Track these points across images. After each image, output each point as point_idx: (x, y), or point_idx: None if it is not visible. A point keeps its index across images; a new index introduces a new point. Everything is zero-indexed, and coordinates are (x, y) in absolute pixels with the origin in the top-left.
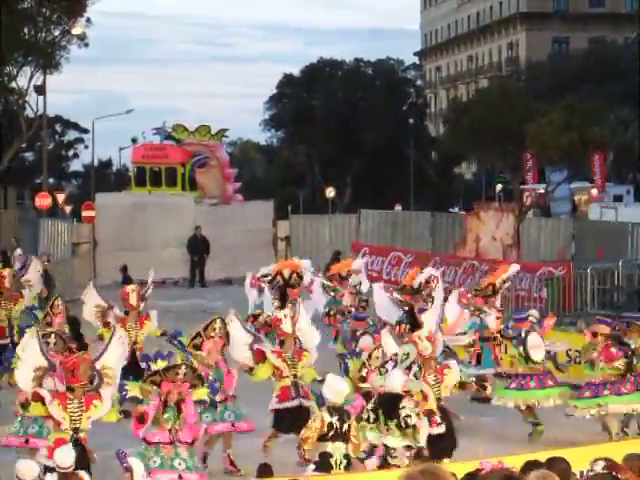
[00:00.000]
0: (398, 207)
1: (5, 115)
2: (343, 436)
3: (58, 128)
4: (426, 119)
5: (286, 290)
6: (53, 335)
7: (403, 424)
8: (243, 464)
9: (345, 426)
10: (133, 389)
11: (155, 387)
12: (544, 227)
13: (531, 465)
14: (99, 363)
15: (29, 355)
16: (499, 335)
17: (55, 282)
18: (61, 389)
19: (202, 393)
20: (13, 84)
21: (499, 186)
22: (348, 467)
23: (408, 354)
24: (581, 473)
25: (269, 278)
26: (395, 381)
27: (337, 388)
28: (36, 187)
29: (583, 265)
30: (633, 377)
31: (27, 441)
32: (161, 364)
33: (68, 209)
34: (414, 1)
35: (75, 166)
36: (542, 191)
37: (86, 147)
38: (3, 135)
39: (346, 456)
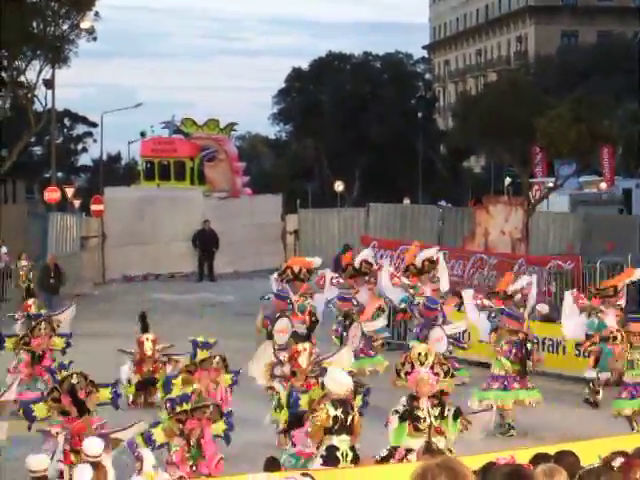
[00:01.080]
0: (407, 200)
1: (14, 109)
2: (348, 428)
3: (67, 122)
4: (435, 113)
5: (313, 329)
6: (43, 322)
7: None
8: (250, 457)
9: (349, 418)
10: (158, 435)
11: (179, 425)
12: (553, 221)
13: (540, 458)
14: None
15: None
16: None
17: (65, 277)
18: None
19: (219, 428)
20: (22, 78)
21: (508, 180)
22: (355, 459)
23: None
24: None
25: (279, 271)
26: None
27: (339, 380)
28: (45, 181)
29: (592, 258)
30: None
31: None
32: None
33: (77, 203)
34: None
35: (84, 160)
36: (551, 185)
37: (95, 141)
38: (12, 129)
39: (352, 448)
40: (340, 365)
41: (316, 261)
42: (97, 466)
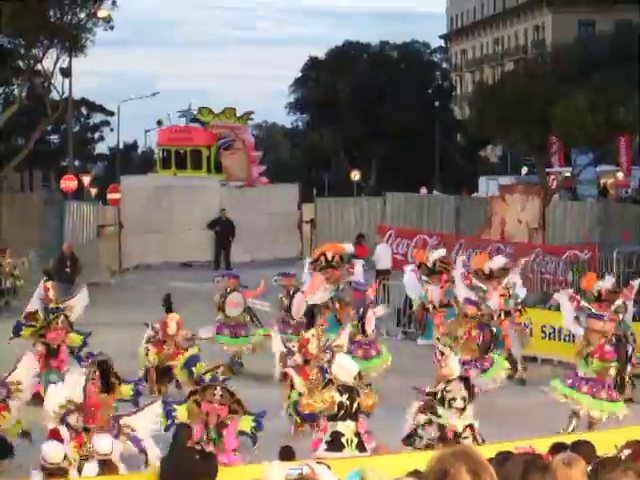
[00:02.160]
0: (423, 190)
1: (31, 98)
2: (353, 415)
3: (84, 111)
4: (452, 102)
5: (314, 311)
6: (62, 316)
7: (447, 406)
8: (265, 446)
9: (355, 404)
10: (181, 412)
11: (197, 407)
12: (570, 210)
13: (557, 448)
14: (10, 378)
15: (67, 387)
16: None
17: (81, 266)
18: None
19: (246, 424)
20: (39, 67)
21: (525, 169)
22: (359, 445)
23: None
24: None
25: (312, 259)
26: (455, 365)
27: (347, 367)
28: (62, 170)
29: (609, 248)
30: None
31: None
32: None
33: (94, 192)
34: None
35: (101, 149)
36: (568, 174)
37: (112, 130)
38: (29, 118)
39: (357, 434)
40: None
41: (348, 247)
42: (106, 463)
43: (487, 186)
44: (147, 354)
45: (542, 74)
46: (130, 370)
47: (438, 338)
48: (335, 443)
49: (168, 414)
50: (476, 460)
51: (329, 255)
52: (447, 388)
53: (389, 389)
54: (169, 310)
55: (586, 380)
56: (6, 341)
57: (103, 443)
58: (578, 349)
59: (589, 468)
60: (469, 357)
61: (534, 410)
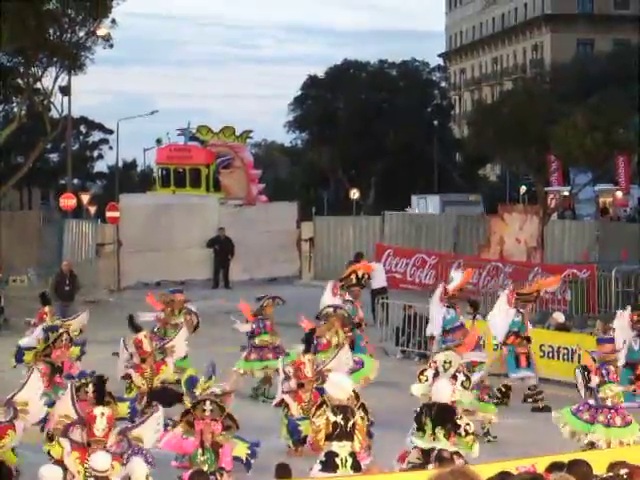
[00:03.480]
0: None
1: (30, 116)
2: (348, 434)
3: (83, 129)
4: (450, 121)
5: (312, 335)
6: (65, 334)
7: (463, 433)
8: (262, 464)
9: (350, 424)
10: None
11: (190, 428)
12: (568, 229)
13: (554, 467)
14: (16, 398)
15: (61, 405)
16: None
17: (80, 284)
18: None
19: (242, 450)
20: (38, 85)
21: (523, 188)
22: (355, 466)
23: (450, 362)
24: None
25: (342, 276)
26: (443, 391)
27: (341, 385)
28: (61, 188)
29: (607, 267)
30: None
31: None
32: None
33: (92, 210)
34: (439, 3)
35: (100, 167)
36: (567, 193)
37: (110, 148)
38: (28, 136)
39: (352, 454)
40: (340, 367)
41: (378, 267)
42: None
43: (418, 204)
44: (131, 383)
45: (541, 93)
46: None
47: None
48: (329, 463)
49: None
50: (472, 478)
51: (360, 274)
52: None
53: (387, 408)
54: (138, 330)
55: (597, 408)
56: (6, 359)
57: (100, 460)
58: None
59: None
60: None
61: (535, 429)
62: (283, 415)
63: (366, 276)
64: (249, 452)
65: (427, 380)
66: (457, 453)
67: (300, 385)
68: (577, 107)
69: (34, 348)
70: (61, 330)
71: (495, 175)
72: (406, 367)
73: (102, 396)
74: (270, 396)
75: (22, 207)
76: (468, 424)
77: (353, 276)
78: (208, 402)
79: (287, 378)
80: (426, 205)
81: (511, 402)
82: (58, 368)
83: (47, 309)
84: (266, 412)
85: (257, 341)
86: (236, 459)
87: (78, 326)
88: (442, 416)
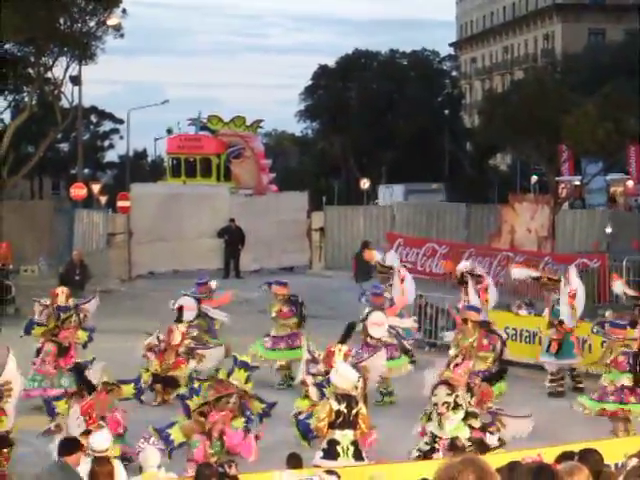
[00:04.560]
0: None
1: (41, 106)
2: (350, 423)
3: (93, 119)
4: (461, 110)
5: (352, 328)
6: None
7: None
8: (273, 453)
9: (353, 413)
10: (176, 435)
11: (202, 418)
12: (579, 219)
13: (564, 457)
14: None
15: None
16: None
17: (91, 274)
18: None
19: (257, 408)
20: (49, 75)
21: (534, 178)
22: (356, 454)
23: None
24: (616, 465)
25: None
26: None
27: (345, 375)
28: (71, 178)
29: (618, 257)
30: None
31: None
32: (196, 400)
33: (103, 199)
34: None
35: (110, 157)
36: (578, 183)
37: (121, 138)
38: (39, 126)
39: (353, 443)
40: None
41: (384, 255)
42: (102, 461)
43: (384, 194)
44: (147, 363)
45: (552, 83)
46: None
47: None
48: (331, 451)
49: (166, 440)
50: (484, 468)
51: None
52: (434, 392)
53: (399, 400)
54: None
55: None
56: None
57: (101, 439)
58: (600, 357)
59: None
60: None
61: (544, 418)
62: (292, 416)
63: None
64: (262, 409)
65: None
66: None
67: (326, 372)
68: (588, 97)
69: (44, 323)
70: (72, 312)
71: (506, 165)
72: (420, 357)
73: (88, 385)
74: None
75: (33, 197)
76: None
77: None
78: (234, 396)
79: (314, 360)
80: (392, 194)
81: (518, 393)
82: (65, 348)
83: (60, 289)
84: (281, 399)
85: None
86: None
87: (91, 309)
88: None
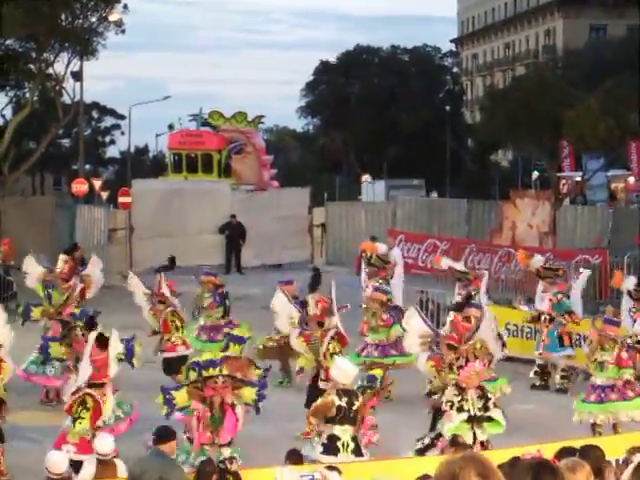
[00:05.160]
0: (434, 194)
1: (42, 101)
2: (351, 419)
3: (95, 114)
4: (462, 106)
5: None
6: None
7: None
8: (274, 449)
9: (353, 408)
10: (180, 398)
11: (199, 390)
12: (580, 215)
13: (565, 453)
14: None
15: None
16: None
17: None
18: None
19: (250, 396)
20: (50, 70)
21: (536, 173)
22: (356, 450)
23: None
24: (617, 461)
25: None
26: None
27: (345, 369)
28: (73, 173)
29: (620, 253)
30: None
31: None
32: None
33: (104, 195)
34: None
35: (112, 152)
36: (579, 179)
37: (123, 133)
38: (40, 121)
39: (354, 438)
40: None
41: (382, 247)
42: (106, 464)
43: (367, 190)
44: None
45: (553, 79)
46: (143, 372)
47: None
48: (331, 446)
49: (168, 402)
50: (485, 465)
51: (368, 254)
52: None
53: (399, 393)
54: (167, 269)
55: (604, 388)
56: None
57: (105, 443)
58: (588, 354)
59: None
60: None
61: (542, 415)
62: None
63: (373, 255)
64: (256, 397)
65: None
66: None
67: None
68: (590, 92)
69: (41, 305)
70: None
71: (507, 161)
72: None
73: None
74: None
75: (34, 192)
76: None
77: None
78: (220, 377)
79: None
80: (374, 190)
81: (521, 388)
82: (68, 323)
83: (62, 258)
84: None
85: None
86: (246, 405)
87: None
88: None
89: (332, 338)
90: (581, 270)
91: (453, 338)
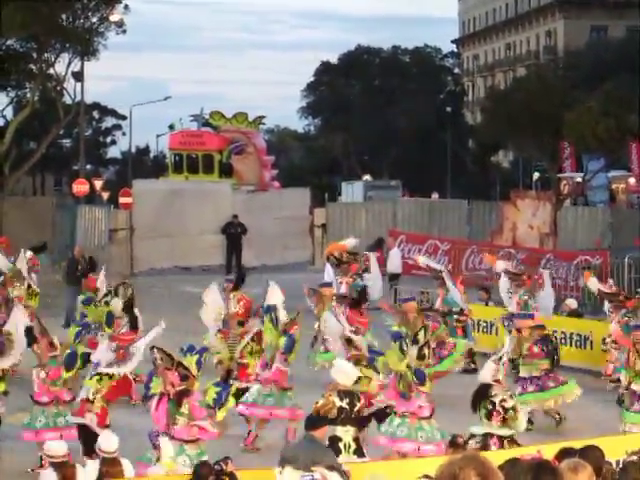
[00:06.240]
0: (435, 195)
1: (43, 102)
2: (352, 420)
3: (96, 115)
4: (463, 107)
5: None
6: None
7: (501, 410)
8: (271, 451)
9: (355, 409)
10: (155, 385)
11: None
12: (581, 216)
13: (565, 453)
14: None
15: None
16: None
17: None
18: None
19: (210, 395)
20: (51, 71)
21: (536, 174)
22: (357, 451)
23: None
24: (617, 462)
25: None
26: (486, 372)
27: (346, 371)
28: (74, 173)
29: (620, 254)
30: None
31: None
32: (190, 359)
33: (105, 195)
34: None
35: (112, 153)
36: (579, 180)
37: (124, 134)
38: (41, 122)
39: (355, 440)
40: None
41: (350, 242)
42: (111, 462)
43: (346, 190)
44: None
45: (554, 80)
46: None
47: None
48: (332, 448)
49: (146, 386)
50: (485, 465)
51: (336, 254)
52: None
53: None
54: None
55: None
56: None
57: (109, 440)
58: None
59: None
60: None
61: (543, 415)
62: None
63: (344, 254)
64: (215, 397)
65: None
66: (511, 439)
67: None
68: (590, 93)
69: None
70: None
71: (508, 161)
72: None
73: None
74: None
75: (35, 193)
76: (504, 400)
77: (332, 257)
78: (156, 350)
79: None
80: (353, 191)
81: None
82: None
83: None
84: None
85: None
86: (208, 407)
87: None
88: (475, 396)
89: (252, 339)
90: (540, 270)
91: None
